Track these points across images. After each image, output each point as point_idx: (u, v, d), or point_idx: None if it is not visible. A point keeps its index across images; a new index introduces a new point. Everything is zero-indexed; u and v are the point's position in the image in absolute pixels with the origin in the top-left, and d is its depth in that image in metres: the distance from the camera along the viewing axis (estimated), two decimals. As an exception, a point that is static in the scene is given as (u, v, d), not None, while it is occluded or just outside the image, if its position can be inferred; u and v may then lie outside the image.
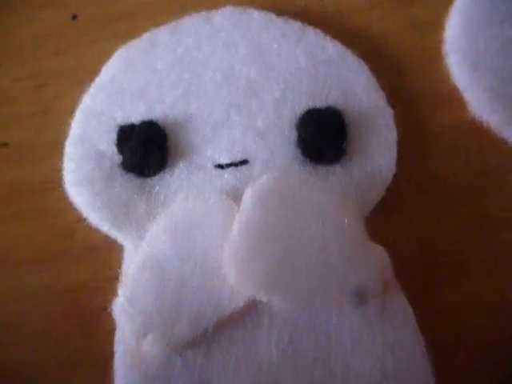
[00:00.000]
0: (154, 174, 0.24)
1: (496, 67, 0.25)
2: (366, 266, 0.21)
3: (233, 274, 0.21)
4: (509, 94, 0.24)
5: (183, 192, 0.23)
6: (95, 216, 0.23)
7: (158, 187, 0.24)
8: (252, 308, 0.21)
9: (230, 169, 0.24)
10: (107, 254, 0.23)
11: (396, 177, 0.24)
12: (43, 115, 0.26)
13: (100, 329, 0.22)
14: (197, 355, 0.21)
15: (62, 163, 0.24)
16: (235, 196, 0.23)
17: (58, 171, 0.24)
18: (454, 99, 0.25)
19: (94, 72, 0.26)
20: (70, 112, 0.25)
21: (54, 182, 0.24)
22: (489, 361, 0.22)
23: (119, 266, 0.23)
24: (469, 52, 0.26)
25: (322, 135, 0.24)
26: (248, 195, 0.21)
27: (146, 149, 0.23)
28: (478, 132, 0.25)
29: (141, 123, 0.24)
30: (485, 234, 0.24)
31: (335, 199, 0.22)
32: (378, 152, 0.24)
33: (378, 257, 0.22)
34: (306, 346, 0.21)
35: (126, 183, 0.24)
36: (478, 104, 0.25)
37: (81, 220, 0.23)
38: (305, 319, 0.21)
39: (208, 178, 0.24)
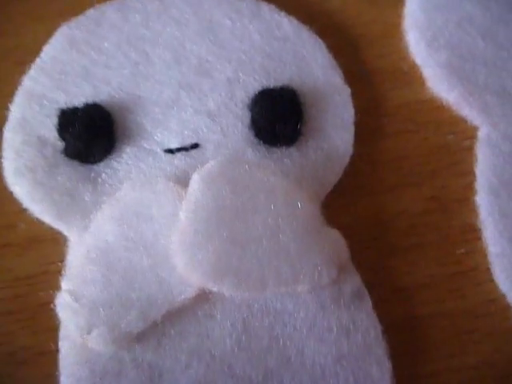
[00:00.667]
0: (100, 160, 0.22)
1: (454, 43, 0.24)
2: (321, 251, 0.20)
3: (181, 263, 0.20)
4: (467, 71, 0.24)
5: (130, 179, 0.22)
6: (37, 207, 0.22)
7: (104, 174, 0.22)
8: (203, 298, 0.20)
9: (181, 153, 0.23)
10: (52, 247, 0.22)
11: (353, 157, 0.23)
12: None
13: (45, 325, 0.21)
14: (146, 350, 0.20)
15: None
16: (186, 182, 0.21)
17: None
18: (413, 76, 0.25)
19: (36, 52, 0.24)
20: (11, 95, 0.23)
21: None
22: (443, 331, 0.21)
23: (65, 259, 0.22)
24: (427, 28, 0.25)
25: (276, 116, 0.22)
26: (195, 180, 0.20)
27: (91, 133, 0.22)
28: (437, 110, 0.24)
29: (84, 106, 0.22)
30: (443, 216, 0.23)
31: (288, 182, 0.21)
32: (335, 132, 0.23)
33: (333, 241, 0.21)
34: (260, 334, 0.20)
35: (70, 171, 0.22)
36: (436, 80, 0.24)
37: (23, 210, 0.22)
38: (259, 307, 0.20)
39: (157, 164, 0.22)
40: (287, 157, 0.23)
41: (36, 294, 0.21)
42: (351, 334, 0.20)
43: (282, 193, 0.21)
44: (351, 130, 0.23)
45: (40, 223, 0.22)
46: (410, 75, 0.25)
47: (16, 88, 0.23)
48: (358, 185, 0.23)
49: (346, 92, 0.24)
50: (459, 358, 0.21)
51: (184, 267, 0.19)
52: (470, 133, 0.24)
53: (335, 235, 0.21)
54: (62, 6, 0.26)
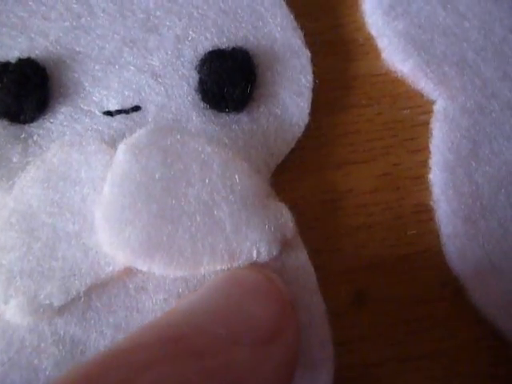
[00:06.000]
0: (32, 120, 0.20)
1: (413, 12, 0.22)
2: (261, 227, 0.19)
3: (106, 241, 0.18)
4: (425, 40, 0.22)
5: (58, 140, 0.20)
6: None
7: (36, 136, 0.20)
8: (135, 270, 0.19)
9: (120, 116, 0.21)
10: None
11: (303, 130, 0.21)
12: None
13: None
14: (69, 323, 0.18)
15: None
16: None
17: None
18: (368, 48, 0.23)
19: None
20: None
21: None
22: (392, 316, 0.20)
23: None
24: None
25: (225, 79, 0.21)
26: (121, 150, 0.19)
27: (22, 89, 0.20)
28: (393, 83, 0.23)
29: (17, 61, 0.21)
30: (394, 195, 0.21)
31: (226, 153, 0.19)
32: (290, 98, 0.21)
33: (276, 215, 0.19)
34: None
35: None
36: (392, 51, 0.22)
37: None
38: (196, 282, 0.19)
39: (94, 126, 0.21)
40: (236, 123, 0.21)
41: None
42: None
43: (218, 164, 0.19)
44: (308, 97, 0.22)
45: None
46: (366, 47, 0.23)
47: None
48: (305, 160, 0.21)
49: (305, 56, 0.22)
50: (408, 346, 0.20)
51: (110, 246, 0.18)
52: (426, 107, 0.22)
53: (280, 209, 0.19)
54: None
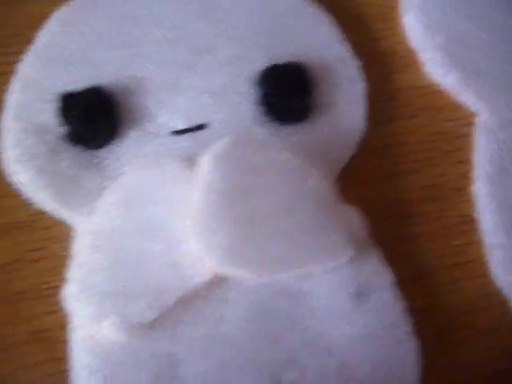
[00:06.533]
0: (103, 145, 0.21)
1: (451, 27, 0.23)
2: (337, 228, 0.19)
3: (196, 248, 0.19)
4: (464, 55, 0.23)
5: (134, 163, 0.21)
6: (40, 195, 0.21)
7: (107, 160, 0.21)
8: (217, 281, 0.19)
9: (187, 135, 0.22)
10: (29, 234, 0.21)
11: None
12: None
13: (21, 313, 0.20)
14: (161, 338, 0.19)
15: None
16: (194, 164, 0.20)
17: None
18: (410, 61, 0.24)
19: (19, 34, 0.23)
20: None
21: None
22: (437, 326, 0.20)
23: (42, 245, 0.21)
24: (424, 11, 0.24)
25: (285, 92, 0.22)
26: (204, 161, 0.19)
27: (92, 117, 0.21)
28: (435, 96, 0.23)
29: (85, 90, 0.22)
30: (440, 205, 0.22)
31: (298, 160, 0.20)
32: (347, 106, 0.22)
33: (349, 218, 0.20)
34: (279, 317, 0.19)
35: (73, 157, 0.21)
36: (433, 65, 0.23)
37: None
38: (275, 289, 0.19)
39: (163, 147, 0.21)
40: (297, 133, 0.22)
41: (11, 283, 0.20)
42: (374, 313, 0.19)
43: (292, 170, 0.20)
44: (363, 103, 0.23)
45: (15, 210, 0.21)
46: (407, 60, 0.24)
47: None
48: (352, 172, 0.22)
49: (354, 66, 0.23)
50: (453, 355, 0.20)
51: (199, 252, 0.19)
52: (467, 119, 0.23)
53: (352, 212, 0.20)
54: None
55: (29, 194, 0.21)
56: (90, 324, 0.19)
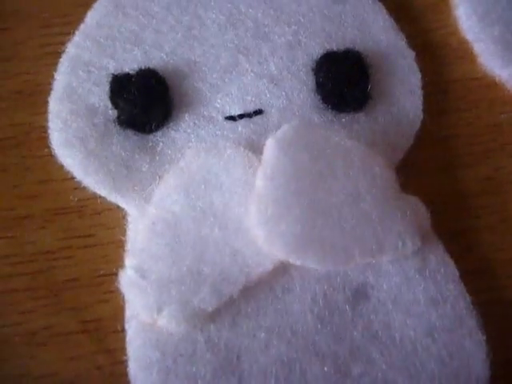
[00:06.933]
0: (157, 129, 0.21)
1: (507, 18, 0.23)
2: (403, 218, 0.19)
3: (262, 235, 0.18)
4: None
5: (191, 148, 0.20)
6: (91, 179, 0.20)
7: (161, 144, 0.21)
8: (281, 270, 0.19)
9: (243, 120, 0.21)
10: (77, 220, 0.20)
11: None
12: (5, 62, 0.22)
13: (67, 304, 0.19)
14: (221, 329, 0.18)
15: (24, 117, 0.21)
16: (251, 150, 0.20)
17: (20, 125, 0.21)
18: (463, 52, 0.24)
19: (63, 15, 0.23)
20: (36, 58, 0.22)
21: (16, 137, 0.21)
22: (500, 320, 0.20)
23: (92, 232, 0.20)
24: (479, 2, 0.24)
25: (344, 80, 0.21)
26: (270, 146, 0.19)
27: (147, 99, 0.20)
28: (489, 88, 0.23)
29: (138, 72, 0.21)
30: (499, 198, 0.21)
31: (363, 147, 0.20)
32: (403, 96, 0.22)
33: (414, 208, 0.19)
34: (343, 309, 0.19)
35: (124, 141, 0.20)
36: (489, 56, 0.23)
37: (45, 181, 0.20)
38: (340, 279, 0.19)
39: (219, 132, 0.21)
40: (356, 122, 0.21)
41: (59, 270, 0.20)
42: (440, 306, 0.19)
43: (359, 158, 0.19)
44: (419, 93, 0.22)
45: (64, 194, 0.20)
46: (460, 51, 0.24)
47: (42, 51, 0.22)
48: (408, 164, 0.21)
49: (410, 55, 0.23)
50: None
51: (265, 240, 0.18)
52: None
53: (415, 202, 0.20)
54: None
55: (78, 179, 0.20)
56: (150, 313, 0.18)
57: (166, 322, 0.18)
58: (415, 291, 0.19)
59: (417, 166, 0.22)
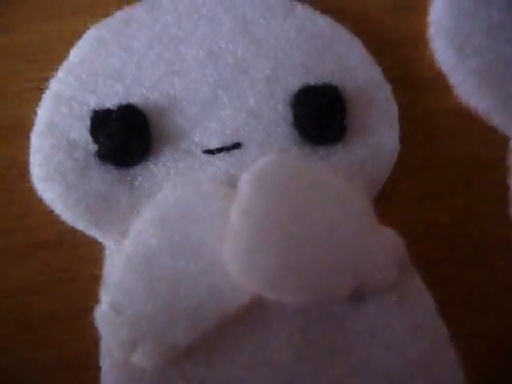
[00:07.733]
0: (136, 163, 0.21)
1: (483, 51, 0.24)
2: (380, 251, 0.19)
3: (236, 269, 0.18)
4: (497, 78, 0.23)
5: (169, 181, 0.20)
6: (69, 213, 0.20)
7: (140, 177, 0.21)
8: (257, 305, 0.19)
9: (222, 154, 0.21)
10: (55, 253, 0.20)
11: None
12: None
13: (48, 337, 0.19)
14: (197, 365, 0.18)
15: (6, 152, 0.21)
16: (229, 183, 0.20)
17: (1, 160, 0.22)
18: (439, 84, 0.24)
19: (47, 51, 0.23)
20: (20, 93, 0.22)
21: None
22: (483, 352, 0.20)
23: (70, 266, 0.20)
24: (455, 35, 0.24)
25: (321, 113, 0.21)
26: (245, 180, 0.19)
27: (126, 135, 0.21)
28: (466, 119, 0.23)
29: (118, 107, 0.21)
30: (476, 229, 0.22)
31: (340, 180, 0.20)
32: (381, 128, 0.22)
33: (391, 240, 0.20)
34: (321, 343, 0.18)
35: (104, 175, 0.21)
36: (465, 88, 0.23)
37: (24, 215, 0.21)
38: (317, 313, 0.19)
39: (197, 165, 0.21)
40: (334, 154, 0.22)
41: (35, 305, 0.19)
42: (418, 339, 0.19)
43: (335, 191, 0.20)
44: (396, 126, 0.22)
45: (41, 228, 0.21)
46: (437, 83, 0.24)
47: (25, 87, 0.22)
48: (385, 195, 0.22)
49: (387, 88, 0.23)
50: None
51: (240, 273, 0.18)
52: (501, 142, 0.23)
53: (392, 234, 0.20)
54: (74, 4, 0.24)
55: (57, 212, 0.21)
56: (123, 350, 0.18)
57: (140, 359, 0.18)
58: (393, 324, 0.19)
59: (394, 197, 0.22)
